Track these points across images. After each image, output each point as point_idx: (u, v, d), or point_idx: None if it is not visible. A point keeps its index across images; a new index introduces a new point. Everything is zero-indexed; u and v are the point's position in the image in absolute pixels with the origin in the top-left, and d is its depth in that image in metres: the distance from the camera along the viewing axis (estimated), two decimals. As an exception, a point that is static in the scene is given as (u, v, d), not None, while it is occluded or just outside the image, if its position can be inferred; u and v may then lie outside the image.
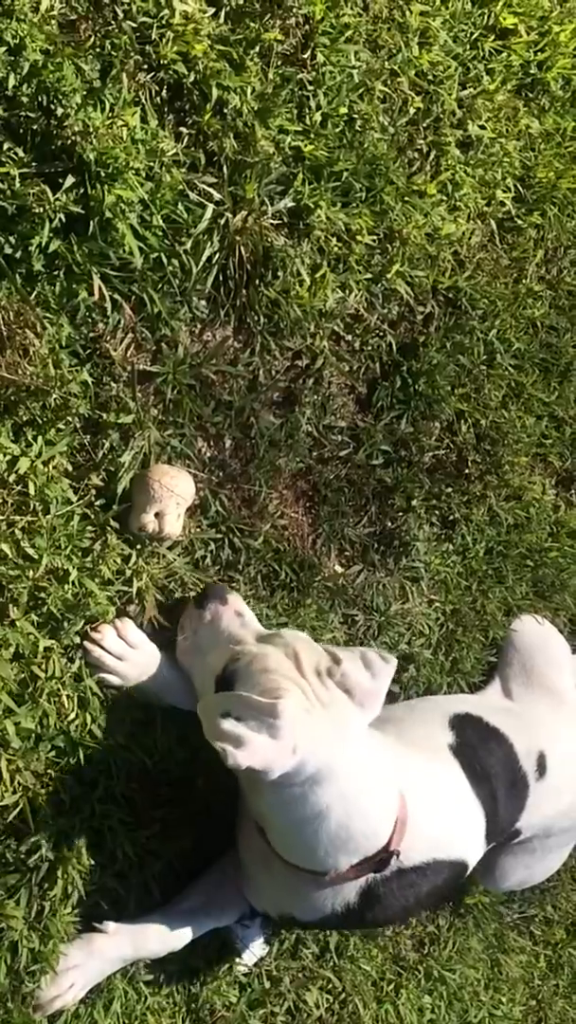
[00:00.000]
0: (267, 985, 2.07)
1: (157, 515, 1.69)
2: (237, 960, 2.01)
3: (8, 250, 1.51)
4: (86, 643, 1.65)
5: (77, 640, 1.62)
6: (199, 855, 1.91)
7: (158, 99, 1.67)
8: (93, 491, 1.67)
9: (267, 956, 2.08)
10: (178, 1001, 1.91)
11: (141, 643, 1.73)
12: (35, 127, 1.51)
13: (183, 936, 1.83)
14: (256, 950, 2.05)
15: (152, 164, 1.62)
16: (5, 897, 1.60)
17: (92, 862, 1.70)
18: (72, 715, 1.62)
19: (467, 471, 2.33)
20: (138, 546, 1.72)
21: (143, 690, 1.74)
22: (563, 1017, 2.93)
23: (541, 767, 2.12)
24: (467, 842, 1.94)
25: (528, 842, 2.22)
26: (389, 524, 2.20)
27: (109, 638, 1.67)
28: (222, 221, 1.73)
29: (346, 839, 1.66)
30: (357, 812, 1.65)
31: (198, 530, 1.84)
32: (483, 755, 2.02)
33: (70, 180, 1.52)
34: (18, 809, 1.57)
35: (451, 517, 2.32)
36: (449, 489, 2.30)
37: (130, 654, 1.70)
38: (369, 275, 2.02)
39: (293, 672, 1.63)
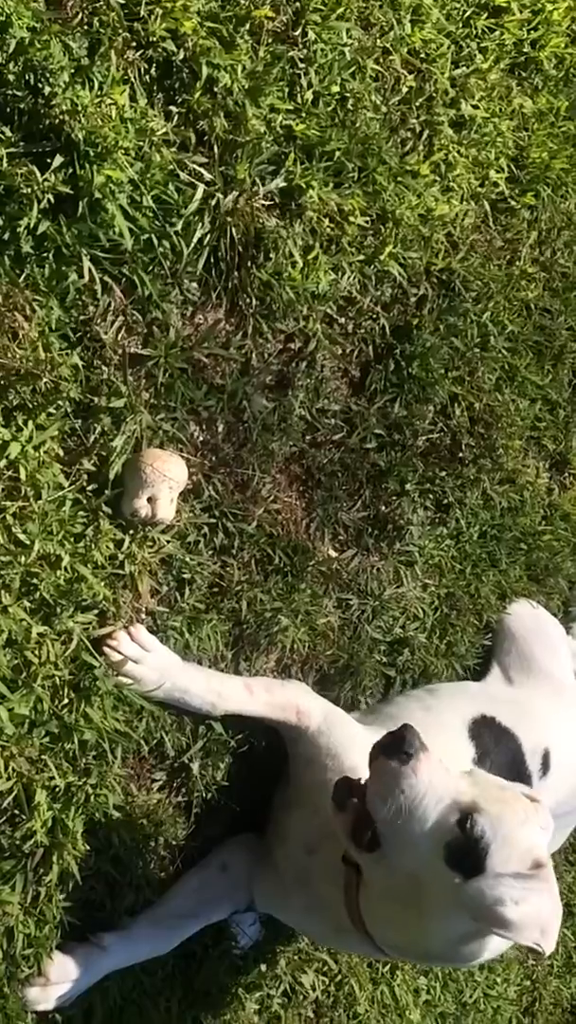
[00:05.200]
0: (263, 968, 2.08)
1: (150, 500, 1.68)
2: (233, 944, 2.02)
3: (-4, 231, 1.49)
4: (105, 648, 1.66)
5: (70, 625, 1.61)
6: (195, 840, 1.91)
7: (147, 77, 1.64)
8: (85, 476, 1.66)
9: (263, 940, 2.08)
10: (175, 985, 1.92)
11: (154, 647, 1.74)
12: (22, 106, 1.48)
13: (173, 940, 1.84)
14: (252, 934, 2.05)
15: (142, 144, 1.60)
16: (0, 883, 1.60)
17: (87, 847, 1.70)
18: (66, 701, 1.61)
19: (461, 455, 2.32)
20: (131, 531, 1.71)
21: (162, 697, 1.75)
22: (557, 996, 2.95)
23: (545, 765, 2.14)
24: None
25: None
26: (383, 508, 2.19)
27: (124, 643, 1.68)
28: (213, 202, 1.71)
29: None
30: None
31: (191, 515, 1.83)
32: (496, 758, 2.02)
33: (58, 160, 1.50)
34: (13, 795, 1.56)
35: (445, 501, 2.32)
36: (443, 473, 2.29)
37: (145, 657, 1.71)
38: (362, 257, 2.00)
39: (527, 825, 1.52)
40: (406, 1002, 2.38)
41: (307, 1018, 2.19)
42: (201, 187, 1.68)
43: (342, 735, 1.90)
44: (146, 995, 1.85)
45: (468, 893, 1.45)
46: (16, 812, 1.59)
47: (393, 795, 1.47)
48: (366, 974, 2.30)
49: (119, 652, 1.68)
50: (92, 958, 1.71)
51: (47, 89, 1.47)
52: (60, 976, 1.67)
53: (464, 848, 1.45)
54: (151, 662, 1.72)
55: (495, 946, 1.55)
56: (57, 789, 1.62)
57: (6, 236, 1.49)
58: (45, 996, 1.66)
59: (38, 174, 1.48)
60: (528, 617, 2.51)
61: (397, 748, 1.48)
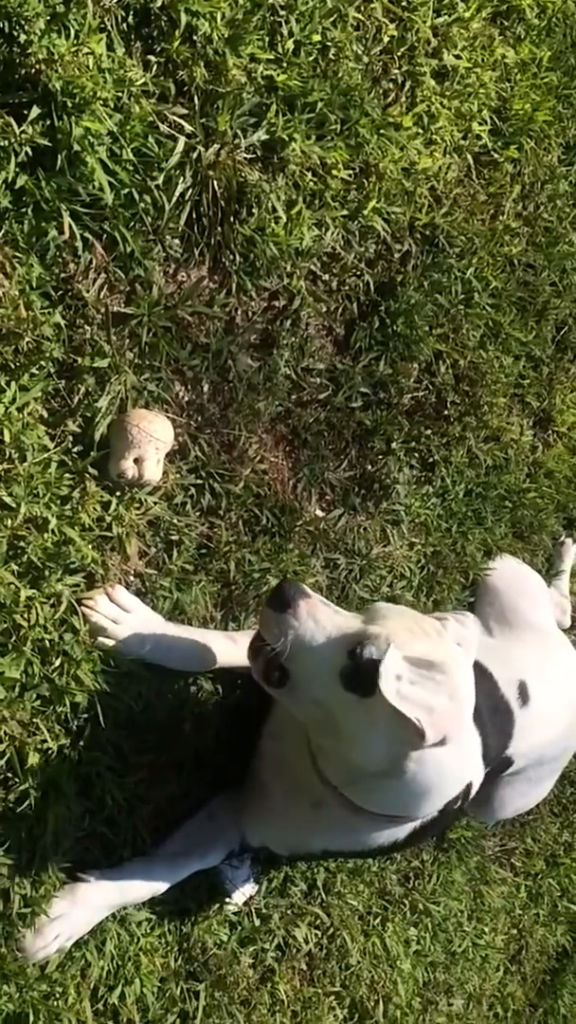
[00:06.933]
0: (257, 923, 2.10)
1: (136, 461, 1.66)
2: (227, 900, 2.04)
3: (-27, 187, 1.45)
4: (82, 609, 1.64)
5: (59, 588, 1.60)
6: (188, 799, 1.92)
7: (124, 26, 1.60)
8: (70, 437, 1.63)
9: (256, 895, 2.11)
10: (170, 941, 1.94)
11: (134, 606, 1.72)
12: (-3, 55, 1.44)
13: (167, 880, 1.84)
14: (245, 889, 2.07)
15: (120, 94, 1.56)
16: (-5, 846, 1.61)
17: (81, 808, 1.71)
18: (56, 663, 1.60)
19: (446, 412, 2.31)
20: (117, 493, 1.70)
21: (148, 657, 1.73)
22: (543, 944, 3.03)
23: (523, 695, 2.15)
24: (472, 764, 1.96)
25: (523, 771, 2.26)
26: (369, 467, 2.18)
27: (102, 603, 1.67)
28: (194, 155, 1.67)
29: (453, 789, 1.69)
30: (467, 760, 1.69)
31: (178, 476, 1.81)
32: None
33: (36, 111, 1.46)
34: (5, 758, 1.55)
35: (431, 459, 2.32)
36: (428, 431, 2.29)
37: (124, 618, 1.69)
38: (345, 212, 1.97)
39: (425, 637, 1.59)
40: (397, 952, 2.43)
41: (300, 971, 2.23)
42: (182, 139, 1.64)
43: None
44: (142, 952, 1.87)
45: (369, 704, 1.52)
46: (9, 775, 1.59)
47: (282, 636, 1.59)
48: (358, 927, 2.34)
49: (97, 612, 1.66)
50: (78, 891, 1.71)
51: (22, 37, 1.43)
52: (50, 914, 1.67)
53: (356, 672, 1.54)
54: (131, 622, 1.71)
55: (434, 757, 1.59)
56: (50, 752, 1.62)
57: (-17, 191, 1.46)
58: (42, 939, 1.65)
59: (15, 126, 1.44)
60: (510, 571, 2.53)
61: (279, 600, 1.60)
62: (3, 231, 1.49)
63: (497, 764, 2.13)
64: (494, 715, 2.06)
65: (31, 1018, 1.64)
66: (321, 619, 1.60)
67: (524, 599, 2.50)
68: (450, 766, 1.64)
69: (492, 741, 2.03)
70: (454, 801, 1.76)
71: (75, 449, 1.64)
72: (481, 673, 2.07)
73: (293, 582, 1.65)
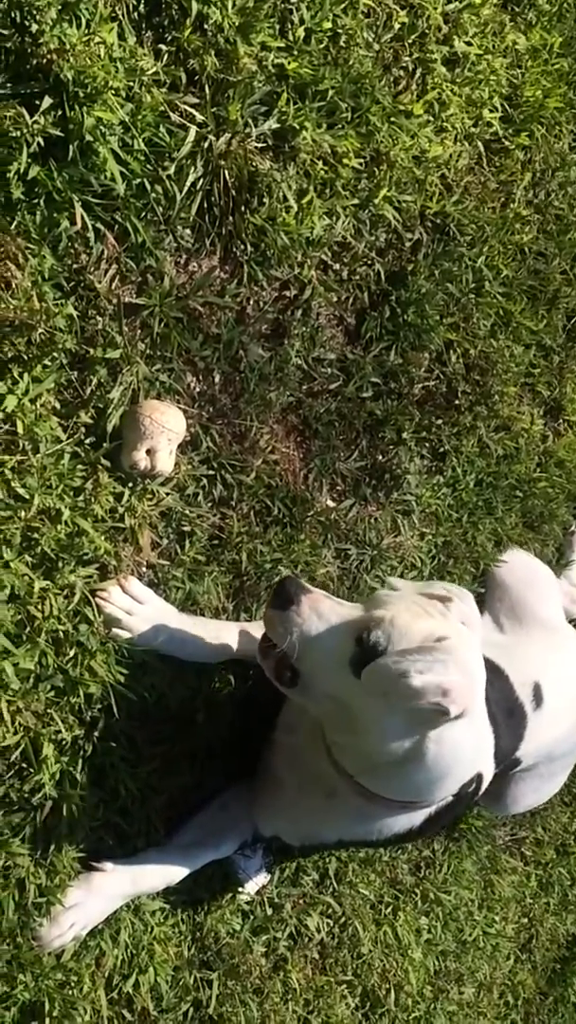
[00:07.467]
0: (269, 912, 2.11)
1: (148, 452, 1.66)
2: (239, 889, 2.05)
3: (-15, 177, 1.45)
4: (96, 601, 1.65)
5: (72, 580, 1.60)
6: (200, 790, 1.93)
7: (136, 14, 1.59)
8: (83, 429, 1.63)
9: (268, 884, 2.12)
10: (184, 930, 1.95)
11: (148, 598, 1.73)
12: (8, 45, 1.43)
13: (181, 870, 1.85)
14: (258, 879, 2.08)
15: (132, 84, 1.55)
16: (10, 835, 1.61)
17: (95, 799, 1.71)
18: (71, 654, 1.61)
19: (457, 402, 2.30)
20: (130, 484, 1.70)
21: (161, 648, 1.74)
22: (554, 933, 3.03)
23: (538, 697, 2.15)
24: (485, 757, 1.96)
25: (535, 768, 2.27)
26: (380, 457, 2.18)
27: (115, 595, 1.68)
28: (205, 144, 1.67)
29: (469, 770, 1.70)
30: (480, 741, 1.69)
31: (190, 467, 1.81)
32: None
33: (47, 101, 1.45)
34: (20, 749, 1.56)
35: (441, 449, 2.31)
36: (439, 421, 2.28)
37: (138, 609, 1.70)
38: (356, 200, 1.96)
39: (429, 617, 1.60)
40: (408, 941, 2.44)
41: (313, 959, 2.24)
42: (193, 129, 1.63)
43: None
44: (156, 941, 1.88)
45: (375, 675, 1.53)
46: (24, 766, 1.59)
47: (287, 634, 1.61)
48: (370, 916, 2.35)
49: (111, 603, 1.67)
50: (93, 881, 1.72)
51: (34, 27, 1.42)
52: (66, 903, 1.68)
53: (365, 658, 1.55)
54: (145, 613, 1.71)
55: (452, 736, 1.59)
56: (64, 742, 1.63)
57: (-4, 182, 1.45)
58: (57, 928, 1.66)
59: (27, 116, 1.43)
60: (519, 564, 2.53)
61: (281, 599, 1.62)
62: (15, 222, 1.49)
63: (506, 764, 2.13)
64: (509, 718, 2.06)
65: (47, 1006, 1.65)
66: (324, 611, 1.62)
67: (533, 593, 2.49)
68: (466, 745, 1.64)
69: (504, 743, 2.03)
70: (467, 784, 1.76)
71: (88, 440, 1.64)
72: (497, 674, 2.07)
73: (292, 579, 1.65)
